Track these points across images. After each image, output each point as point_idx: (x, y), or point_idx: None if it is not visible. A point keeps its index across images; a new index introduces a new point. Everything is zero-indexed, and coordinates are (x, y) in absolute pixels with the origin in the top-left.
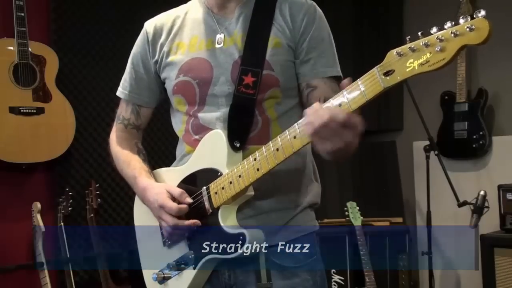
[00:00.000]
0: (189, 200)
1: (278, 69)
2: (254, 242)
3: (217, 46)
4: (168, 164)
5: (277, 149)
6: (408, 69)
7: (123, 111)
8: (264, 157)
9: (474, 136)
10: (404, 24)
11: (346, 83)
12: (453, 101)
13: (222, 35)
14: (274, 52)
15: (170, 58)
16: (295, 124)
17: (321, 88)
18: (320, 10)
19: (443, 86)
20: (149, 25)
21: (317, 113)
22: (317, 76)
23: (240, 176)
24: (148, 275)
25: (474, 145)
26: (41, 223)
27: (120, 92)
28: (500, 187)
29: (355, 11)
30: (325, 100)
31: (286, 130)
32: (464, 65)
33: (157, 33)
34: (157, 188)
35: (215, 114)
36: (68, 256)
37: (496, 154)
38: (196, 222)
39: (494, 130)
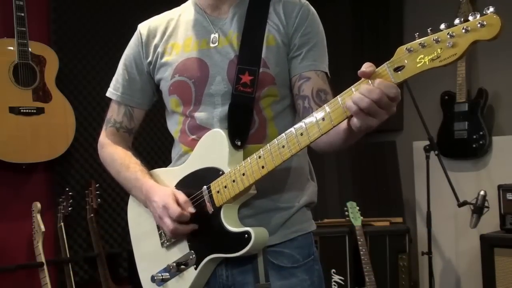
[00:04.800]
0: (192, 210)
1: (274, 67)
2: (259, 240)
3: (211, 46)
4: (164, 166)
5: (283, 146)
6: (419, 65)
7: (115, 114)
8: (270, 154)
9: (474, 136)
10: (404, 24)
11: (367, 71)
12: (453, 101)
13: (216, 35)
14: (269, 50)
15: (165, 59)
16: (301, 122)
17: (314, 79)
18: (314, 10)
19: (443, 86)
20: (143, 27)
21: (365, 90)
22: (308, 69)
23: (243, 174)
24: (145, 277)
25: (474, 145)
26: (41, 223)
27: (112, 93)
28: (500, 187)
29: (355, 12)
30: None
31: (292, 128)
32: (464, 65)
33: (151, 34)
34: (164, 190)
35: (211, 113)
36: (68, 256)
37: (496, 154)
38: (194, 227)
39: (494, 130)
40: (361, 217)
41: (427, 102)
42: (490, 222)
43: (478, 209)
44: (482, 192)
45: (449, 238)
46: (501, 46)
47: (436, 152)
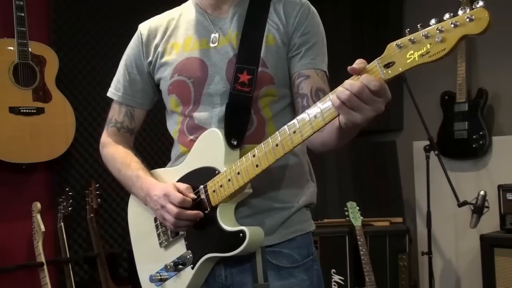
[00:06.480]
0: (193, 195)
1: (273, 66)
2: (255, 240)
3: (211, 45)
4: (164, 166)
5: (277, 145)
6: (408, 61)
7: (116, 114)
8: (264, 153)
9: (474, 136)
10: (404, 24)
11: (357, 67)
12: (453, 101)
13: (217, 35)
14: (268, 49)
15: (165, 59)
16: (294, 119)
17: (313, 77)
18: (314, 9)
19: (443, 86)
20: (143, 27)
21: (348, 83)
22: (308, 67)
23: (238, 173)
24: (144, 277)
25: (474, 145)
26: (41, 223)
27: (113, 93)
28: (500, 187)
29: (355, 12)
30: (316, 91)
31: (285, 126)
32: (464, 65)
33: (151, 34)
34: (164, 184)
35: (210, 113)
36: (68, 256)
37: (496, 154)
38: (198, 213)
39: (494, 130)
40: (361, 217)
41: (427, 102)
42: (490, 222)
43: (478, 209)
44: (482, 192)
45: (449, 238)
46: (501, 46)
47: (436, 152)
